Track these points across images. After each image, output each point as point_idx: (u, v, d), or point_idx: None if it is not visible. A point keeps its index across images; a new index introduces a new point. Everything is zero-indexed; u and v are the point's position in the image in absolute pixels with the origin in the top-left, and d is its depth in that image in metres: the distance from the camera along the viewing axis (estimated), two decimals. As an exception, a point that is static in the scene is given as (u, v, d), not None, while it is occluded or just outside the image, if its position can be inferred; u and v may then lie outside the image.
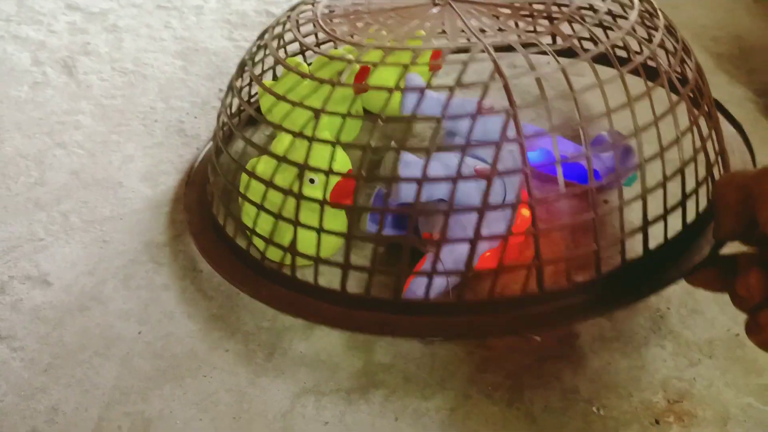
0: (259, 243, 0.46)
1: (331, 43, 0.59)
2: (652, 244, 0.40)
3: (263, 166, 0.46)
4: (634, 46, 0.43)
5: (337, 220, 0.45)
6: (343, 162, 0.41)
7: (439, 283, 0.41)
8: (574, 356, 0.44)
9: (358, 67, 0.51)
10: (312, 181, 0.41)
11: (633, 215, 0.45)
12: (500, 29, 0.47)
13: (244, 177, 0.47)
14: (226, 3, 0.72)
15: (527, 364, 0.43)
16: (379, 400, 0.40)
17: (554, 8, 0.48)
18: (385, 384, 0.41)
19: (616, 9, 0.48)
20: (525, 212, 0.48)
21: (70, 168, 0.51)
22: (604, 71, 0.41)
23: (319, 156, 0.41)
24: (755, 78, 0.71)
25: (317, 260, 0.41)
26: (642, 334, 0.45)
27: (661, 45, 0.46)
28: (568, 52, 0.43)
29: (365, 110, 0.60)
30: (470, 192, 0.44)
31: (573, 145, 0.53)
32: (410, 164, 0.42)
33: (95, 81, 0.60)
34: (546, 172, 0.53)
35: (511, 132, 0.49)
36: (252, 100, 0.57)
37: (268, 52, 0.49)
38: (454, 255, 0.42)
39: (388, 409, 0.40)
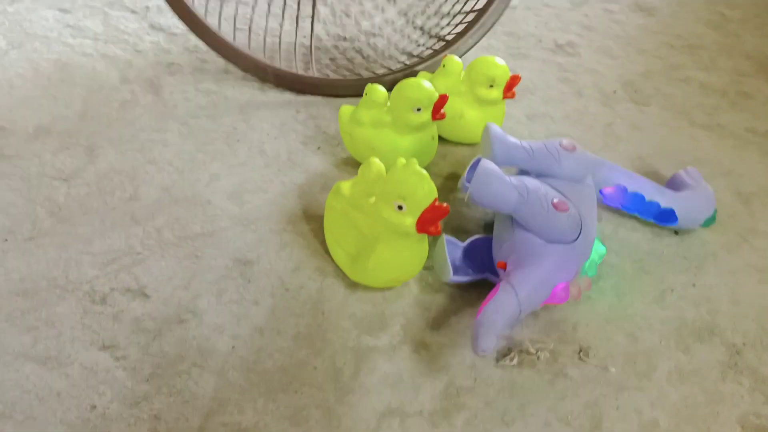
0: (341, 259, 0.48)
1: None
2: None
3: (351, 188, 0.48)
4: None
5: (420, 245, 0.46)
6: (430, 190, 0.43)
7: (513, 310, 0.42)
8: (653, 389, 0.44)
9: (437, 94, 0.53)
10: (400, 207, 0.43)
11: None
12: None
13: (330, 198, 0.49)
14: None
15: (605, 393, 0.44)
16: (461, 423, 0.41)
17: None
18: (467, 407, 0.42)
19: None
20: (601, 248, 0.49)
21: (162, 184, 0.53)
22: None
23: (409, 184, 0.43)
24: (825, 112, 0.71)
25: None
26: (719, 369, 0.46)
27: None
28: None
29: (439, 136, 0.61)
30: (555, 223, 0.45)
31: (648, 182, 0.53)
32: (486, 172, 0.44)
33: (180, 100, 0.62)
34: (619, 208, 0.54)
35: (585, 169, 0.50)
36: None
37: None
38: (530, 285, 0.43)
39: (471, 432, 0.41)
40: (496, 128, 0.52)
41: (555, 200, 0.45)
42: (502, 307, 0.42)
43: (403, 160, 0.45)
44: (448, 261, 0.46)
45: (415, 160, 0.44)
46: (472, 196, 0.45)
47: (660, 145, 0.64)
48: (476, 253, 0.49)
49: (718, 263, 0.53)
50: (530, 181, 0.46)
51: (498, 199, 0.45)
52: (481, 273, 0.48)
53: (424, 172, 0.44)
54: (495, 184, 0.45)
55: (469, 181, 0.48)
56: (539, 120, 0.66)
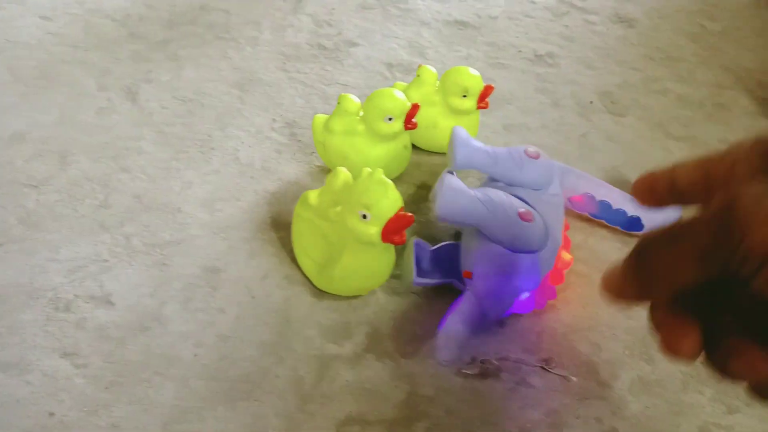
0: (308, 268, 0.48)
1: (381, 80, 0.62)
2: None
3: (318, 197, 0.48)
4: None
5: (386, 254, 0.46)
6: (395, 199, 0.43)
7: (476, 320, 0.42)
8: (614, 398, 0.44)
9: (408, 104, 0.53)
10: (365, 216, 0.43)
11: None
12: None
13: (298, 207, 0.49)
14: (281, 35, 0.75)
15: (567, 403, 0.44)
16: (421, 431, 0.41)
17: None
18: (429, 416, 0.42)
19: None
20: (566, 256, 0.49)
21: (133, 192, 0.54)
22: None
23: (373, 193, 0.43)
24: (800, 124, 0.71)
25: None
26: (681, 379, 0.46)
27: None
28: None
29: (412, 144, 0.62)
30: (520, 234, 0.45)
31: (615, 190, 0.54)
32: (451, 187, 0.44)
33: (157, 108, 0.63)
34: (587, 215, 0.55)
35: (550, 176, 0.51)
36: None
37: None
38: (494, 295, 0.44)
39: (430, 442, 0.41)
40: (461, 132, 0.52)
41: (521, 210, 0.45)
42: (465, 317, 0.42)
43: (368, 170, 0.45)
44: (414, 263, 0.47)
45: (380, 170, 0.44)
46: (438, 214, 0.44)
47: (634, 155, 0.65)
48: (445, 258, 0.50)
49: (686, 274, 0.53)
50: (495, 193, 0.47)
51: (465, 214, 0.45)
52: (448, 278, 0.48)
53: (389, 181, 0.44)
54: (461, 200, 0.45)
55: (418, 275, 0.48)
56: (516, 130, 0.66)
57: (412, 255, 0.47)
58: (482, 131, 0.65)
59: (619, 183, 0.61)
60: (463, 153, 0.51)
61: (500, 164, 0.50)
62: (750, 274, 0.21)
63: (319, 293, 0.48)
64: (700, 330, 0.25)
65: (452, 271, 0.49)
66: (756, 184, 0.22)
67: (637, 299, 0.26)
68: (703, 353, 0.25)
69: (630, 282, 0.26)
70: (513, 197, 0.47)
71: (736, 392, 0.46)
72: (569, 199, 0.53)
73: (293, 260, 0.50)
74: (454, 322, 0.42)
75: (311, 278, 0.48)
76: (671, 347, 0.25)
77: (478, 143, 0.52)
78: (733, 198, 0.22)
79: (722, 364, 0.24)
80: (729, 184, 0.26)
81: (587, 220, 0.56)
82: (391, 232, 0.43)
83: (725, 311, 0.25)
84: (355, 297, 0.48)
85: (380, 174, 0.44)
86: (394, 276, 0.50)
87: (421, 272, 0.48)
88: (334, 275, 0.46)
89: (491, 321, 0.44)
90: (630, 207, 0.53)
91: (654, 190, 0.29)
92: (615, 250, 0.54)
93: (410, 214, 0.43)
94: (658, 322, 0.26)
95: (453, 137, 0.52)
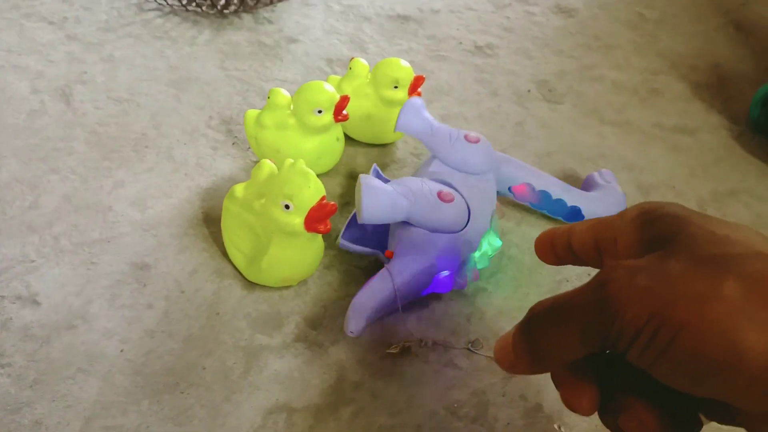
0: (238, 260, 0.49)
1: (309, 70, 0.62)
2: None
3: (244, 190, 0.48)
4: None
5: (313, 244, 0.47)
6: (317, 189, 0.44)
7: (387, 296, 0.43)
8: (539, 376, 0.45)
9: (338, 96, 0.54)
10: (287, 207, 0.43)
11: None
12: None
13: (226, 200, 0.49)
14: (219, 34, 0.75)
15: (493, 382, 0.45)
16: (347, 416, 0.42)
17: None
18: (355, 401, 0.43)
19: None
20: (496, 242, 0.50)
21: (63, 192, 0.53)
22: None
23: (294, 183, 0.43)
24: (731, 106, 0.73)
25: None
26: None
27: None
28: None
29: (347, 136, 0.62)
30: (439, 213, 0.46)
31: (555, 181, 0.55)
32: (372, 188, 0.44)
33: (90, 109, 0.62)
34: (527, 205, 0.56)
35: (486, 163, 0.52)
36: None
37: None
38: (409, 272, 0.44)
39: (356, 426, 0.41)
40: (417, 100, 0.53)
41: (440, 191, 0.46)
42: (376, 292, 0.43)
43: (290, 160, 0.45)
44: (347, 223, 0.48)
45: (301, 160, 0.45)
46: (363, 217, 0.44)
47: (568, 141, 0.66)
48: (378, 231, 0.50)
49: (614, 253, 0.54)
50: (411, 182, 0.47)
51: (389, 211, 0.44)
52: (374, 250, 0.49)
53: (311, 171, 0.44)
54: (382, 198, 0.44)
55: (345, 237, 0.49)
56: (452, 120, 0.67)
57: (361, 194, 0.45)
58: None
59: (553, 170, 0.62)
60: (407, 116, 0.52)
61: (436, 137, 0.51)
62: (625, 348, 0.23)
63: (250, 286, 0.49)
64: (596, 389, 0.27)
65: (380, 245, 0.49)
66: (628, 262, 0.24)
67: (529, 372, 0.28)
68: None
69: (520, 357, 0.28)
70: (430, 181, 0.48)
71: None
72: (510, 189, 0.54)
73: (224, 254, 0.50)
74: (364, 295, 0.43)
75: (241, 271, 0.49)
76: (571, 404, 0.27)
77: (427, 114, 0.53)
78: (606, 277, 0.24)
79: (613, 420, 0.26)
80: (610, 256, 0.28)
81: (523, 208, 0.57)
82: (315, 220, 0.44)
83: (618, 372, 0.27)
84: (285, 288, 0.49)
85: (302, 164, 0.44)
86: (325, 266, 0.50)
87: (356, 236, 0.48)
88: (262, 267, 0.46)
89: (405, 298, 0.44)
90: (569, 197, 0.54)
91: (554, 249, 0.31)
92: (546, 233, 0.55)
93: (333, 203, 0.43)
94: (558, 381, 0.28)
95: (406, 102, 0.53)
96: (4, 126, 0.59)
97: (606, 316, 0.24)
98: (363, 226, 0.50)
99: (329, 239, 0.51)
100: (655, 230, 0.26)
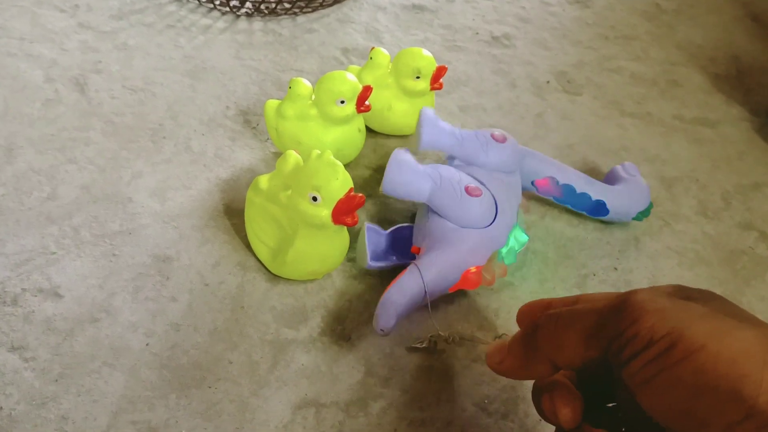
0: (262, 253, 0.48)
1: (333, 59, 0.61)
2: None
3: (269, 181, 0.47)
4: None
5: (339, 237, 0.46)
6: (345, 180, 0.43)
7: (417, 292, 0.42)
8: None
9: (360, 86, 0.53)
10: (315, 199, 0.42)
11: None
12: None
13: (250, 192, 0.48)
14: (233, 23, 0.74)
15: (522, 378, 0.44)
16: (377, 411, 0.41)
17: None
18: (384, 396, 0.42)
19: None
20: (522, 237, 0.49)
21: (81, 183, 0.52)
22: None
23: (322, 174, 0.42)
24: (751, 98, 0.73)
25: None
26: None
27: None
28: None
29: (368, 127, 0.61)
30: (466, 208, 0.45)
31: (579, 174, 0.54)
32: (398, 161, 0.44)
33: (106, 98, 0.61)
34: (551, 199, 0.55)
35: (516, 161, 0.51)
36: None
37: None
38: (437, 268, 0.44)
39: (385, 421, 0.41)
40: (429, 112, 0.52)
41: (468, 185, 0.46)
42: (405, 288, 0.42)
43: (317, 151, 0.44)
44: (367, 247, 0.46)
45: (329, 151, 0.44)
46: (384, 187, 0.45)
47: (589, 133, 0.65)
48: (400, 241, 0.50)
49: (639, 247, 0.54)
50: (444, 169, 0.47)
51: (411, 188, 0.45)
52: (403, 261, 0.48)
53: (338, 162, 0.43)
54: (407, 174, 0.45)
55: (372, 259, 0.48)
56: (471, 111, 0.66)
57: (365, 239, 0.47)
58: (438, 113, 0.65)
59: (574, 161, 0.61)
60: (430, 133, 0.50)
61: (466, 146, 0.50)
62: (630, 355, 0.24)
63: (274, 278, 0.48)
64: (581, 398, 0.29)
65: (407, 253, 0.48)
66: (648, 290, 0.26)
67: (517, 370, 0.30)
68: None
69: (513, 352, 0.30)
70: (463, 173, 0.47)
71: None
72: (533, 183, 0.53)
73: (247, 246, 0.50)
74: (394, 292, 0.42)
75: (265, 263, 0.48)
76: (553, 412, 0.29)
77: (445, 124, 0.51)
78: (627, 295, 0.25)
79: None
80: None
81: (545, 202, 0.56)
82: (342, 213, 0.43)
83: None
84: (310, 281, 0.48)
85: (329, 155, 0.44)
86: (350, 259, 0.50)
87: (375, 256, 0.48)
88: (287, 260, 0.46)
89: (435, 294, 0.43)
90: (593, 191, 0.53)
91: (532, 313, 0.33)
92: (572, 227, 0.55)
93: (361, 194, 0.42)
94: (542, 388, 0.30)
95: (421, 117, 0.52)
96: (19, 115, 0.58)
97: (623, 318, 0.25)
98: (387, 242, 0.49)
99: (353, 232, 0.51)
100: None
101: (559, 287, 0.50)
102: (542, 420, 0.31)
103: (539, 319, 0.29)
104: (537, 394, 0.30)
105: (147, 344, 0.43)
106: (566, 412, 0.28)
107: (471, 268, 0.44)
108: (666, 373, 0.23)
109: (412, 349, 0.45)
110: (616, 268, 0.52)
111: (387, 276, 0.48)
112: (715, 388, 0.22)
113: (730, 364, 0.22)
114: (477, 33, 0.79)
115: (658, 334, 0.23)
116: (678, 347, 0.23)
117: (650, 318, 0.24)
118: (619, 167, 0.56)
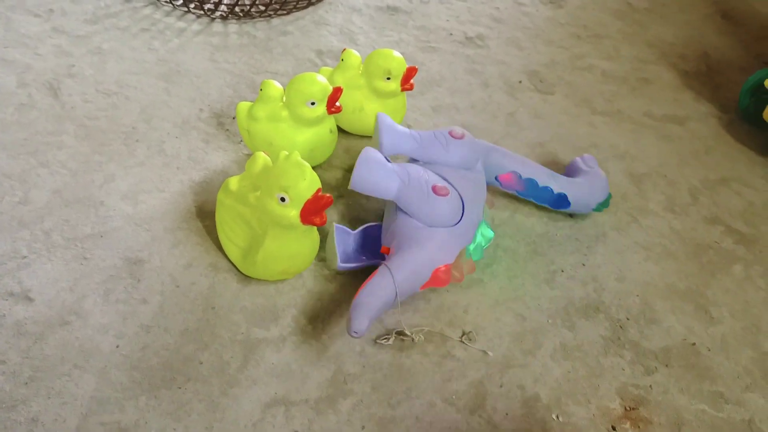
0: (233, 254, 0.48)
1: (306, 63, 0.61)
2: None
3: (239, 182, 0.48)
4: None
5: (309, 237, 0.47)
6: (312, 181, 0.43)
7: (389, 293, 0.43)
8: (537, 365, 0.45)
9: (331, 87, 0.53)
10: (283, 199, 0.43)
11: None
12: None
13: (220, 194, 0.49)
14: (208, 26, 0.74)
15: (490, 373, 0.45)
16: (347, 409, 0.42)
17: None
18: (354, 393, 0.43)
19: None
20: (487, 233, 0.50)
21: (53, 187, 0.53)
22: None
23: (290, 175, 0.43)
24: (720, 94, 0.74)
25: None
26: (602, 343, 0.47)
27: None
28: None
29: (339, 128, 0.62)
30: (434, 207, 0.46)
31: (542, 168, 0.55)
32: (367, 159, 0.46)
33: (79, 102, 0.61)
34: (514, 193, 0.55)
35: (474, 156, 0.52)
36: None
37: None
38: (408, 268, 0.44)
39: (355, 418, 0.41)
40: (385, 118, 0.53)
41: (435, 185, 0.46)
42: (377, 289, 0.42)
43: (285, 152, 0.45)
44: (336, 248, 0.47)
45: (297, 152, 0.44)
46: (353, 183, 0.45)
47: (560, 131, 0.66)
48: (369, 240, 0.50)
49: (607, 243, 0.54)
50: (412, 168, 0.47)
51: (379, 185, 0.46)
52: (374, 260, 0.48)
53: (306, 163, 0.44)
54: (375, 171, 0.46)
55: (342, 260, 0.49)
56: (444, 111, 0.67)
57: (334, 240, 0.47)
58: (411, 113, 0.66)
59: (546, 160, 0.62)
60: (390, 139, 0.51)
61: (426, 147, 0.51)
62: None
63: (245, 279, 0.48)
64: None
65: (377, 252, 0.49)
66: None
67: None
68: None
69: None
70: (431, 173, 0.48)
71: (654, 353, 0.47)
72: (497, 178, 0.54)
73: (219, 248, 0.50)
74: (366, 294, 0.42)
75: (236, 264, 0.48)
76: None
77: (402, 128, 0.52)
78: None
79: None
80: None
81: (515, 198, 0.57)
82: (310, 213, 0.43)
83: None
84: (281, 281, 0.48)
85: (297, 156, 0.44)
86: (320, 259, 0.50)
87: (345, 257, 0.48)
88: (257, 260, 0.46)
89: (405, 294, 0.44)
90: (555, 184, 0.54)
91: None
92: (541, 224, 0.56)
93: (329, 195, 0.43)
94: None
95: (378, 124, 0.52)
96: (-9, 120, 0.58)
97: None
98: (357, 241, 0.50)
99: (323, 232, 0.51)
100: None
101: (528, 283, 0.51)
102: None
103: None
104: None
105: (117, 346, 0.43)
106: None
107: (440, 266, 0.44)
108: None
109: (382, 346, 0.45)
110: (584, 264, 0.52)
111: (358, 275, 0.48)
112: None
113: None
114: (451, 34, 0.79)
115: None
116: None
117: None
118: (578, 159, 0.57)
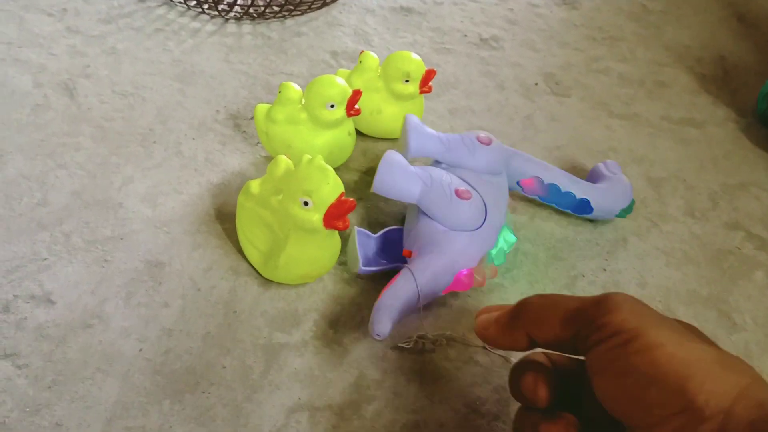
0: (253, 257, 0.48)
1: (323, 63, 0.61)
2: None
3: (260, 186, 0.47)
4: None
5: (330, 241, 0.46)
6: (336, 185, 0.43)
7: (411, 296, 0.43)
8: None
9: (350, 90, 0.53)
10: (306, 203, 0.43)
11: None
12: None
13: (241, 196, 0.48)
14: (223, 26, 0.74)
15: (514, 379, 0.44)
16: (370, 414, 0.42)
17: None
18: (377, 399, 0.42)
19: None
20: (510, 237, 0.50)
21: (72, 189, 0.52)
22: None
23: (313, 179, 0.43)
24: (737, 98, 0.74)
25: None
26: (624, 349, 0.47)
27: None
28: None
29: (357, 131, 0.61)
30: (457, 211, 0.46)
31: (564, 173, 0.54)
32: (390, 162, 0.46)
33: (95, 103, 0.61)
34: (536, 198, 0.55)
35: (503, 161, 0.51)
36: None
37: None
38: (430, 271, 0.44)
39: (379, 424, 0.41)
40: (413, 119, 0.53)
41: (458, 188, 0.46)
42: (399, 292, 0.42)
43: (308, 156, 0.45)
44: (358, 252, 0.47)
45: (320, 156, 0.44)
46: (375, 187, 0.45)
47: (577, 135, 0.66)
48: (390, 244, 0.50)
49: (628, 248, 0.54)
50: (435, 171, 0.47)
51: (401, 188, 0.46)
52: (395, 264, 0.48)
53: (329, 167, 0.44)
54: (398, 174, 0.45)
55: (363, 264, 0.49)
56: (460, 113, 0.67)
57: (355, 244, 0.47)
58: (428, 115, 0.65)
59: (563, 163, 0.62)
60: (417, 140, 0.51)
61: (452, 150, 0.51)
62: (594, 342, 0.28)
63: (266, 283, 0.48)
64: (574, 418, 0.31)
65: (398, 256, 0.49)
66: (630, 296, 0.29)
67: (497, 337, 0.34)
68: None
69: (498, 323, 0.34)
70: (453, 176, 0.47)
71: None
72: (519, 183, 0.54)
73: (239, 251, 0.50)
74: (388, 297, 0.42)
75: (257, 268, 0.48)
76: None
77: (430, 130, 0.52)
78: (610, 293, 0.29)
79: None
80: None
81: (533, 202, 0.57)
82: (333, 217, 0.43)
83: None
84: (302, 285, 0.48)
85: (320, 160, 0.44)
86: (341, 263, 0.50)
87: (366, 260, 0.48)
88: (279, 264, 0.46)
89: (428, 297, 0.44)
90: (578, 190, 0.53)
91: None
92: (561, 228, 0.55)
93: (352, 199, 0.43)
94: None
95: (406, 124, 0.52)
96: (7, 121, 0.58)
97: (599, 309, 0.28)
98: (378, 245, 0.49)
99: (344, 236, 0.51)
100: None
101: (549, 288, 0.50)
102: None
103: (530, 297, 0.33)
104: (519, 371, 0.34)
105: (140, 350, 0.43)
106: (544, 391, 0.32)
107: (463, 270, 0.44)
108: (623, 360, 0.26)
109: (404, 351, 0.45)
110: (605, 269, 0.52)
111: (379, 279, 0.48)
112: (664, 381, 0.25)
113: (681, 365, 0.25)
114: (465, 35, 0.79)
115: (625, 327, 0.27)
116: (640, 340, 0.26)
117: (623, 313, 0.28)
118: (601, 165, 0.57)
